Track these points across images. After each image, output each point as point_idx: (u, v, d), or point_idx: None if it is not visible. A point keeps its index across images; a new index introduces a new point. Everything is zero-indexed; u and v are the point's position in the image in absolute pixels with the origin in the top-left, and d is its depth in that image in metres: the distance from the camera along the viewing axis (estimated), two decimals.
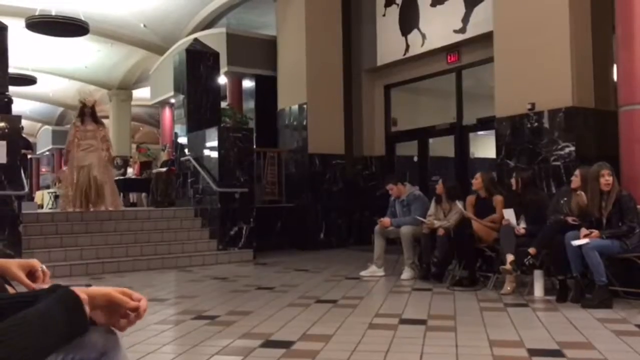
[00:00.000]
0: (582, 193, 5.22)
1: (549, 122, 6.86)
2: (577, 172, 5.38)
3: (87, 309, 1.17)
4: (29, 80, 15.98)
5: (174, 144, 11.77)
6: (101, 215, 8.64)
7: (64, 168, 9.24)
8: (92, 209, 8.63)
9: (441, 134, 10.11)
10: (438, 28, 9.31)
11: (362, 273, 6.77)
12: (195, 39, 11.13)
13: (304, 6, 10.36)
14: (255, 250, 8.85)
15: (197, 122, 9.94)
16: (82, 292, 1.19)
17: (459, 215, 6.18)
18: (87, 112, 8.99)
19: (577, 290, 4.94)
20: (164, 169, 11.57)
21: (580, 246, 4.80)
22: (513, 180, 5.88)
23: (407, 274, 6.47)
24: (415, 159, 10.63)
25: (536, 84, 6.94)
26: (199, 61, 10.21)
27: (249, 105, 12.52)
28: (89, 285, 1.51)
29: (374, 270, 6.76)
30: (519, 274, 5.58)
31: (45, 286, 1.55)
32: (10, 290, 1.62)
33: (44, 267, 1.67)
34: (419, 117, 10.91)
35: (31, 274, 1.63)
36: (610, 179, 4.92)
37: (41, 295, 1.17)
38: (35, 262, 1.67)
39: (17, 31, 11.27)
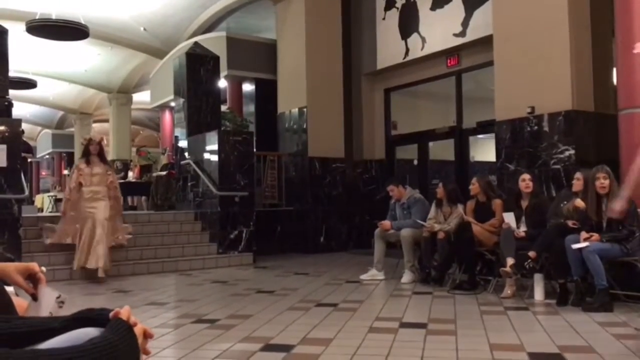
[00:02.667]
0: (577, 198, 5.24)
1: (549, 125, 6.86)
2: (579, 175, 5.36)
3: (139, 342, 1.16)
4: (29, 84, 15.99)
5: (174, 148, 11.78)
6: None
7: (60, 222, 7.42)
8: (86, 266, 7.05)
9: (441, 138, 10.12)
10: (438, 32, 9.33)
11: (362, 276, 6.77)
12: (196, 43, 11.13)
13: (303, 10, 10.38)
14: (255, 253, 8.84)
15: (197, 125, 9.95)
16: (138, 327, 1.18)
17: (459, 219, 6.17)
18: (94, 151, 7.37)
19: (577, 293, 4.94)
20: (164, 173, 11.58)
21: (580, 250, 4.80)
22: (530, 182, 5.78)
23: (407, 277, 6.46)
24: (415, 162, 10.63)
25: (536, 87, 6.95)
26: (199, 65, 10.22)
27: (249, 108, 12.53)
28: (62, 301, 1.50)
29: (374, 274, 6.75)
30: (519, 278, 5.57)
31: (55, 294, 1.54)
32: (11, 292, 1.62)
33: (43, 269, 1.66)
34: (419, 121, 10.92)
35: (30, 277, 1.62)
36: (605, 182, 4.91)
37: (67, 323, 1.15)
38: (34, 265, 1.66)
39: (17, 35, 11.28)
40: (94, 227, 7.03)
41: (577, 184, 5.32)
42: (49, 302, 1.52)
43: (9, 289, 1.60)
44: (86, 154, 7.41)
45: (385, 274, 6.75)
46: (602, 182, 4.93)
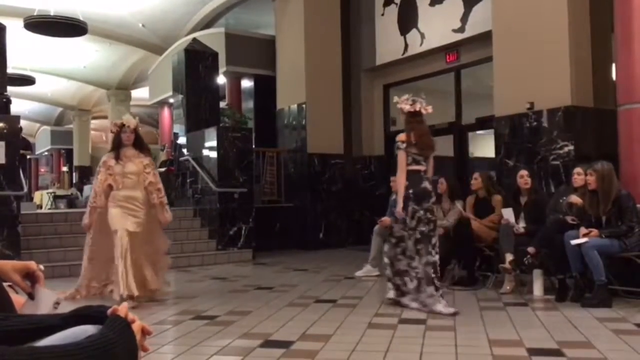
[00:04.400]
0: (573, 195, 5.25)
1: (548, 121, 6.86)
2: (579, 170, 5.35)
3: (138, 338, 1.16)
4: (28, 81, 15.97)
5: (172, 144, 11.77)
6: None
7: (88, 236, 5.58)
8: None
9: (440, 134, 10.07)
10: (437, 27, 9.31)
11: (357, 273, 6.77)
12: (194, 39, 11.12)
13: (302, 6, 10.35)
14: (255, 250, 8.84)
15: (196, 122, 9.94)
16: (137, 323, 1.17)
17: (458, 215, 6.17)
18: (128, 141, 5.40)
19: (576, 289, 4.94)
20: (162, 169, 11.55)
21: (579, 245, 4.81)
22: (528, 178, 5.79)
23: None
24: None
25: (535, 83, 6.94)
26: (197, 61, 10.20)
27: (248, 105, 12.52)
28: (58, 302, 1.50)
29: (369, 270, 6.75)
30: (519, 274, 5.58)
31: (54, 294, 1.54)
32: (10, 291, 1.62)
33: (41, 267, 1.66)
34: None
35: (29, 276, 1.62)
36: (591, 178, 4.96)
37: (65, 320, 1.15)
38: (32, 264, 1.66)
39: (15, 31, 11.27)
40: (131, 244, 5.21)
41: (578, 179, 5.29)
42: (47, 303, 1.52)
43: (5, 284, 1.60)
44: (117, 146, 5.42)
45: (381, 270, 6.74)
46: (587, 178, 4.97)
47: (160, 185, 5.51)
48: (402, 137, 4.98)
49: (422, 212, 4.77)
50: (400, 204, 4.79)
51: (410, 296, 4.77)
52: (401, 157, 4.92)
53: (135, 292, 4.97)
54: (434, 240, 4.80)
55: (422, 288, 4.70)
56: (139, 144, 5.48)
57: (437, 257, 4.78)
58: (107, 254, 5.33)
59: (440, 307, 4.54)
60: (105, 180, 5.36)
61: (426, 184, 4.87)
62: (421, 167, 4.93)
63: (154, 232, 5.54)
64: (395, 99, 5.23)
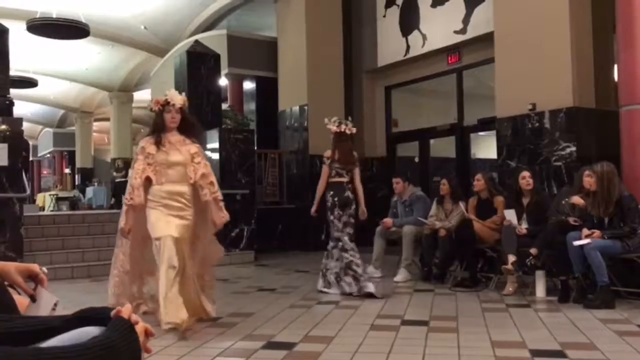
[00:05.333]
0: (575, 196, 5.25)
1: (550, 122, 6.85)
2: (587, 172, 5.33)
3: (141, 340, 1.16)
4: (30, 83, 16.00)
5: None
6: (102, 217, 8.64)
7: (120, 244, 4.50)
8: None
9: (442, 135, 10.11)
10: (438, 29, 9.31)
11: None
12: (196, 41, 11.12)
13: (304, 7, 10.36)
14: (257, 251, 8.85)
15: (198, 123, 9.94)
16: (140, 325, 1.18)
17: (460, 216, 6.17)
18: (173, 123, 4.31)
19: (579, 290, 4.94)
20: None
21: (582, 246, 4.80)
22: (530, 179, 5.78)
23: (401, 275, 6.43)
24: (417, 159, 10.63)
25: (537, 84, 6.94)
26: (199, 63, 10.20)
27: (250, 106, 12.52)
28: (56, 303, 1.50)
29: (371, 272, 6.72)
30: (521, 275, 5.58)
31: (54, 299, 1.54)
32: (14, 293, 1.63)
33: (44, 269, 1.67)
34: (420, 118, 10.91)
35: (31, 278, 1.63)
36: (590, 180, 4.96)
37: (69, 322, 1.15)
38: (34, 266, 1.66)
39: (18, 34, 11.28)
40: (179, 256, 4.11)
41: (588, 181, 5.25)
42: (47, 305, 1.52)
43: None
44: (158, 129, 4.32)
45: (384, 272, 6.74)
46: (587, 179, 4.98)
47: (214, 178, 4.34)
48: (327, 154, 5.89)
49: (346, 217, 5.67)
50: (315, 207, 5.94)
51: (333, 288, 5.69)
52: (324, 170, 5.92)
53: (186, 317, 3.93)
54: (351, 239, 5.71)
55: (341, 277, 5.62)
56: (186, 128, 4.36)
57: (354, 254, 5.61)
58: (141, 265, 4.37)
59: (369, 289, 5.38)
60: (144, 171, 4.19)
61: (348, 193, 5.75)
62: (343, 179, 5.79)
63: (201, 238, 4.46)
64: (325, 120, 6.04)
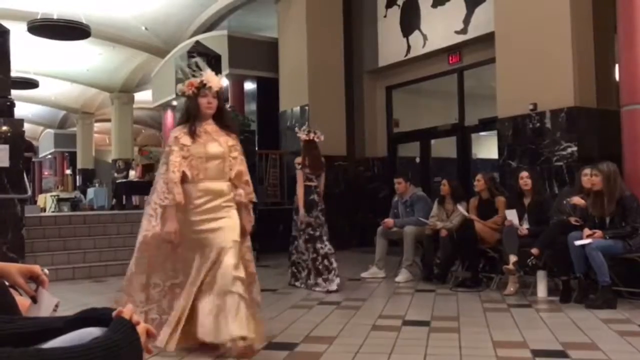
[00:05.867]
0: (576, 196, 5.25)
1: (551, 122, 6.85)
2: (588, 171, 5.33)
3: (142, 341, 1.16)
4: (31, 84, 16.01)
5: None
6: (104, 218, 8.64)
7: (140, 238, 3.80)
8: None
9: (443, 135, 10.10)
10: (439, 29, 9.31)
11: (363, 274, 6.77)
12: (197, 42, 11.12)
13: (305, 8, 10.36)
14: (258, 252, 8.84)
15: None
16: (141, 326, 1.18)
17: (461, 217, 6.17)
18: (208, 109, 3.72)
19: (580, 290, 4.94)
20: None
21: (583, 246, 4.80)
22: (528, 180, 5.78)
23: (402, 276, 6.43)
24: (418, 160, 10.62)
25: (538, 84, 6.93)
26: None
27: (251, 107, 12.53)
28: (57, 305, 1.51)
29: (374, 272, 6.75)
30: (522, 275, 5.57)
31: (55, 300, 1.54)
32: (14, 293, 1.63)
33: (45, 271, 1.67)
34: (421, 118, 10.90)
35: (33, 279, 1.63)
36: (596, 179, 4.95)
37: (70, 323, 1.15)
38: (36, 267, 1.66)
39: (19, 35, 11.29)
40: (216, 266, 3.51)
41: (589, 180, 5.25)
42: (48, 306, 1.53)
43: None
44: (193, 116, 3.70)
45: (387, 272, 6.74)
46: (592, 179, 4.96)
47: (249, 177, 3.80)
48: (299, 160, 6.26)
49: (310, 218, 6.11)
50: (301, 211, 6.14)
51: (301, 281, 6.15)
52: (299, 175, 6.23)
53: (246, 332, 3.40)
54: (324, 237, 6.07)
55: (310, 276, 6.01)
56: (222, 116, 3.80)
57: (327, 250, 6.00)
58: (173, 275, 3.69)
59: (328, 287, 5.79)
60: (180, 165, 3.56)
61: (314, 196, 6.18)
62: (312, 183, 6.20)
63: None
64: (297, 129, 6.60)
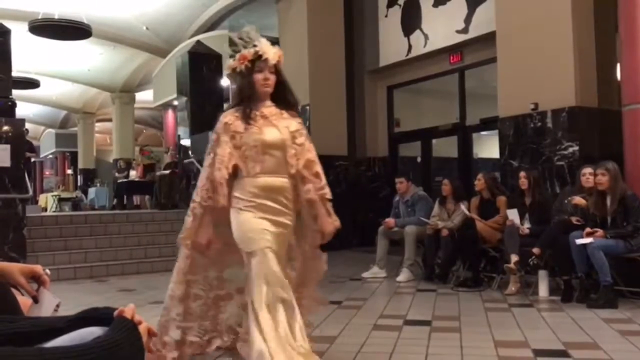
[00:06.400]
0: (576, 196, 5.25)
1: (553, 122, 6.84)
2: (590, 170, 5.33)
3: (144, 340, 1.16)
4: (32, 84, 16.04)
5: (177, 147, 11.80)
6: (105, 218, 8.65)
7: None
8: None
9: (444, 135, 10.10)
10: (440, 28, 9.30)
11: (364, 274, 6.76)
12: (198, 41, 11.15)
13: (305, 8, 10.36)
14: None
15: (200, 124, 9.96)
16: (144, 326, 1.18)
17: (462, 216, 6.16)
18: (265, 87, 3.01)
19: (582, 290, 4.93)
20: (167, 172, 11.59)
21: (585, 246, 4.79)
22: (524, 180, 5.80)
23: (403, 275, 6.43)
24: (419, 159, 10.62)
25: (539, 83, 6.93)
26: (201, 63, 10.24)
27: None
28: (58, 305, 1.51)
29: (376, 272, 6.75)
30: (524, 274, 5.57)
31: (55, 301, 1.55)
32: (16, 293, 1.63)
33: (47, 271, 1.67)
34: (422, 118, 10.90)
35: (34, 279, 1.63)
36: (603, 178, 4.93)
37: (72, 322, 1.15)
38: (38, 267, 1.67)
39: (20, 35, 11.31)
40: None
41: (591, 179, 5.25)
42: (49, 306, 1.53)
43: None
44: (246, 97, 3.02)
45: (388, 272, 6.74)
46: (600, 178, 4.95)
47: (320, 168, 3.10)
48: None
49: None
50: None
51: None
52: None
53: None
54: None
55: None
56: (283, 95, 3.08)
57: None
58: (218, 286, 3.08)
59: None
60: (231, 158, 2.90)
61: None
62: None
63: (299, 251, 3.18)
64: None
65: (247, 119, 2.93)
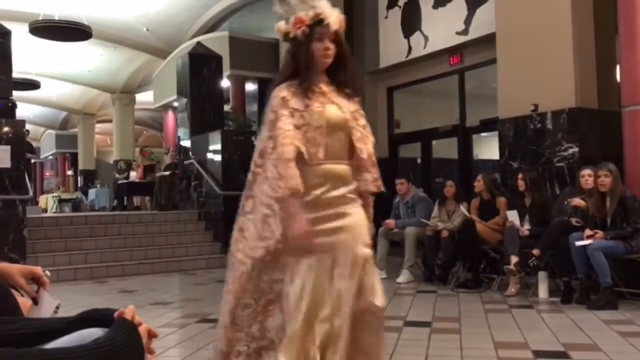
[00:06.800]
0: (576, 198, 5.25)
1: (552, 123, 6.84)
2: (589, 172, 5.32)
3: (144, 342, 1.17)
4: (33, 85, 16.04)
5: (177, 148, 11.79)
6: (105, 219, 8.65)
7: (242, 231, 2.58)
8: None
9: (444, 136, 10.10)
10: (440, 30, 9.31)
11: None
12: (198, 43, 11.15)
13: None
14: None
15: (200, 125, 9.96)
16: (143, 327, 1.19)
17: (462, 217, 6.17)
18: (325, 57, 2.44)
19: (582, 291, 4.93)
20: (167, 173, 11.60)
21: (584, 247, 4.80)
22: (521, 181, 5.83)
23: (403, 277, 6.43)
24: (419, 161, 10.62)
25: (539, 85, 6.93)
26: (201, 64, 10.23)
27: (252, 108, 12.54)
28: (57, 307, 1.51)
29: None
30: (524, 276, 5.57)
31: (55, 303, 1.55)
32: (16, 294, 1.63)
33: (47, 273, 1.67)
34: (422, 119, 10.90)
35: (34, 280, 1.63)
36: (606, 179, 4.92)
37: (72, 324, 1.16)
38: (37, 269, 1.66)
39: (20, 36, 11.32)
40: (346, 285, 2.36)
41: (590, 181, 5.24)
42: (48, 308, 1.53)
43: None
44: (305, 68, 2.45)
45: (388, 273, 6.74)
46: (603, 179, 4.94)
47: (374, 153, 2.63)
48: None
49: None
50: None
51: None
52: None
53: None
54: None
55: None
56: (342, 69, 2.56)
57: None
58: (269, 290, 2.47)
59: None
60: (294, 136, 2.35)
61: None
62: None
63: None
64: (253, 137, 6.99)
65: (306, 94, 2.41)
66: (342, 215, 2.39)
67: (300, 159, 2.33)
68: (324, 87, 2.47)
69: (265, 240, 2.38)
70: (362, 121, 2.55)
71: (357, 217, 2.45)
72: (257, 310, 2.51)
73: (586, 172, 5.29)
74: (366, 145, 2.53)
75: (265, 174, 2.39)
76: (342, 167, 2.46)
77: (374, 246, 2.79)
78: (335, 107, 2.44)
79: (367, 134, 2.56)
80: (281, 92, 2.43)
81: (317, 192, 2.37)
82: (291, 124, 2.35)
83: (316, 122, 2.38)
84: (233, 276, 2.47)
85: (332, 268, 2.31)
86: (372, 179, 2.58)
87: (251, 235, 2.46)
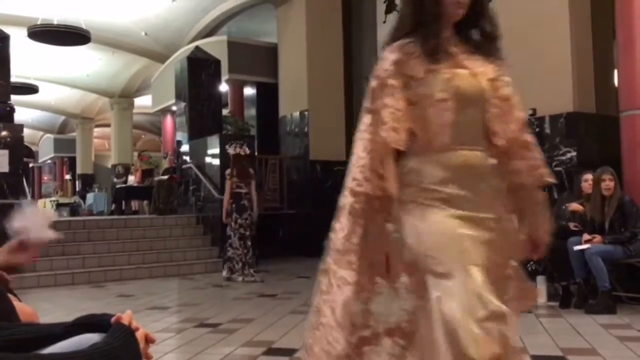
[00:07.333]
0: (574, 203, 5.25)
1: (550, 127, 6.85)
2: (589, 176, 5.33)
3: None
4: (31, 89, 16.04)
5: (175, 152, 11.79)
6: (103, 223, 8.64)
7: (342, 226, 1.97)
8: None
9: None
10: None
11: None
12: (197, 47, 11.16)
13: (304, 13, 10.39)
14: (257, 257, 8.83)
15: (198, 129, 9.96)
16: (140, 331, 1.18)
17: None
18: (456, 10, 1.83)
19: (580, 296, 4.93)
20: (165, 177, 11.58)
21: (583, 252, 4.80)
22: None
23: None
24: None
25: (537, 89, 6.94)
26: (200, 69, 10.24)
27: (251, 112, 12.54)
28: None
29: None
30: None
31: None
32: (13, 299, 1.63)
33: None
34: None
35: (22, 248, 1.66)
36: (611, 184, 4.92)
37: (69, 329, 1.15)
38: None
39: (19, 40, 11.32)
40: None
41: (588, 186, 5.24)
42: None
43: None
44: (432, 21, 1.80)
45: None
46: (608, 183, 4.94)
47: (531, 136, 2.00)
48: (228, 171, 7.48)
49: (241, 220, 7.26)
50: (224, 214, 7.34)
51: (237, 273, 7.20)
52: (227, 184, 7.37)
53: None
54: (249, 238, 7.35)
55: (245, 268, 7.25)
56: (477, 22, 2.04)
57: (250, 250, 7.35)
58: (362, 324, 1.92)
59: (252, 278, 7.14)
60: (403, 118, 1.77)
61: (244, 202, 7.34)
62: (242, 190, 7.34)
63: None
64: (226, 146, 7.85)
65: (432, 55, 1.79)
66: (482, 224, 1.70)
67: (413, 145, 1.77)
68: (452, 47, 1.86)
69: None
70: (504, 91, 1.86)
71: (507, 232, 1.78)
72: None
73: (589, 176, 5.30)
74: (507, 125, 1.82)
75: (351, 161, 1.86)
76: (477, 156, 1.78)
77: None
78: (468, 72, 1.82)
79: (509, 109, 1.85)
80: (393, 53, 1.90)
81: (444, 188, 1.72)
82: (403, 99, 1.77)
83: (441, 94, 1.75)
84: None
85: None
86: (528, 168, 1.86)
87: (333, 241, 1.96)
